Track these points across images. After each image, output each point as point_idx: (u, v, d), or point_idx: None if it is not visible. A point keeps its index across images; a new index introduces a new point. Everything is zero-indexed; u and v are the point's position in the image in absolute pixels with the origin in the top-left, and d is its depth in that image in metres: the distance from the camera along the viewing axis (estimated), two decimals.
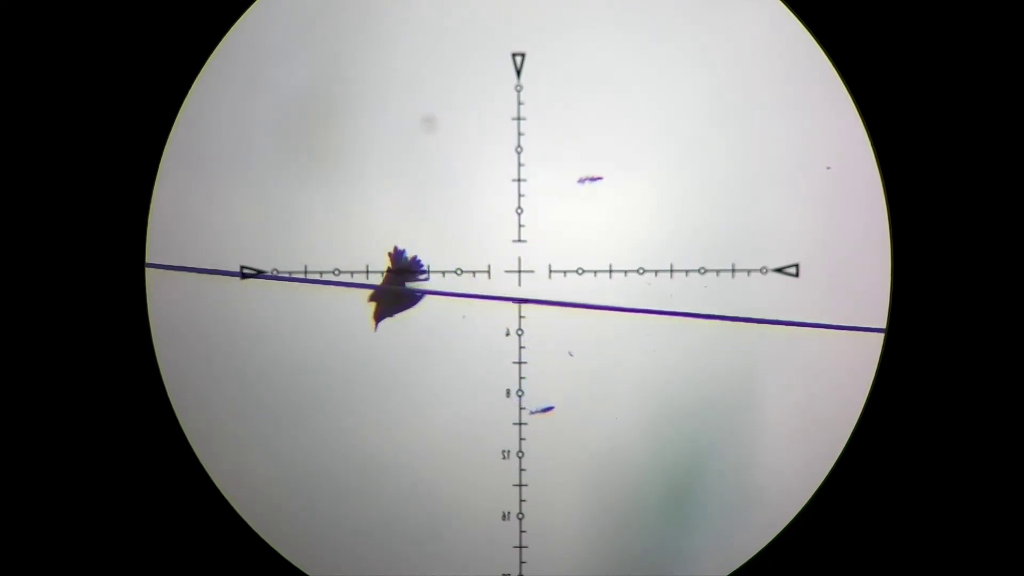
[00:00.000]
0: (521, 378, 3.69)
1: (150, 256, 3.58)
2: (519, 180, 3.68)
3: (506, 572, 3.68)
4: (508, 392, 3.69)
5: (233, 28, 3.60)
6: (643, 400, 3.70)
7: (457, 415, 3.69)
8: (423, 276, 3.68)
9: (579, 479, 3.70)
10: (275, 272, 3.68)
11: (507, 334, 3.70)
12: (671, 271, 3.68)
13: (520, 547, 3.68)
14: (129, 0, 3.51)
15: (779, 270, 3.67)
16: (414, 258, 3.66)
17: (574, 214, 3.68)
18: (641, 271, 3.71)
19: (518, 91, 3.66)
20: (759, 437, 3.68)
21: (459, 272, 3.70)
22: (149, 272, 3.58)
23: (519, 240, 3.71)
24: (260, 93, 3.66)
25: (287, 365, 3.69)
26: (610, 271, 3.71)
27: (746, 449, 3.68)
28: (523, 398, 3.68)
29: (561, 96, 3.66)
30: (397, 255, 3.65)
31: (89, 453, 3.49)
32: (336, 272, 3.72)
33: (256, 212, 3.68)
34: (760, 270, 3.67)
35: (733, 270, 3.67)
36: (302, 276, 3.69)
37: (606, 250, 3.70)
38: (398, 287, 3.66)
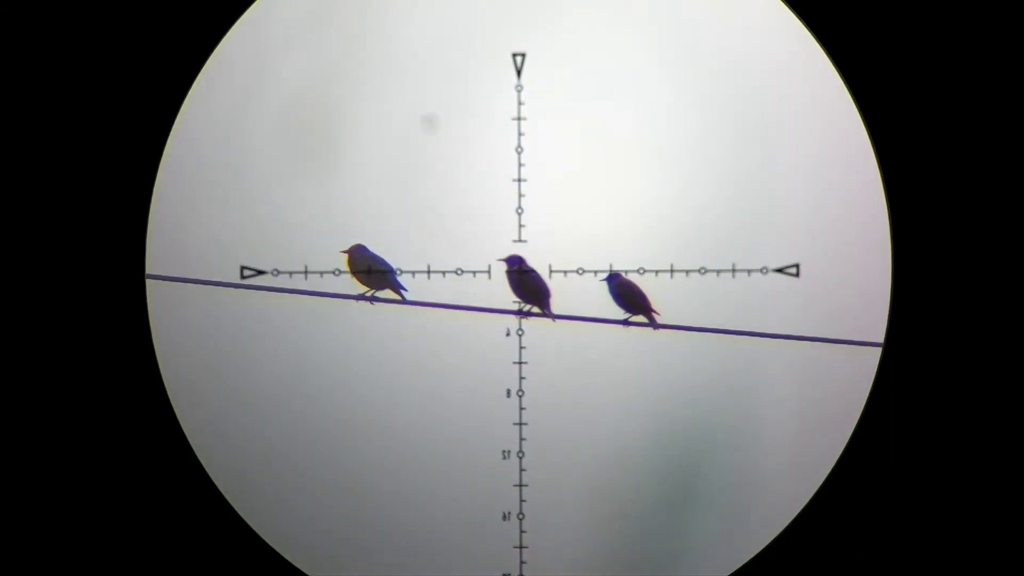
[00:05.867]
0: (521, 378, 3.69)
1: (150, 267, 3.58)
2: (519, 180, 3.68)
3: (506, 572, 3.68)
4: (508, 392, 3.69)
5: (232, 29, 3.60)
6: (644, 401, 3.70)
7: (457, 415, 3.69)
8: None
9: (579, 479, 3.70)
10: (275, 272, 3.68)
11: (507, 334, 3.70)
12: (671, 271, 3.68)
13: (520, 547, 3.68)
14: (125, 10, 3.51)
15: (779, 270, 3.66)
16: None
17: (574, 214, 3.68)
18: (641, 271, 3.71)
19: (518, 91, 3.66)
20: (760, 437, 3.67)
21: (459, 272, 3.70)
22: (149, 283, 3.58)
23: (519, 240, 3.71)
24: (259, 95, 3.66)
25: (288, 368, 3.70)
26: (610, 271, 3.71)
27: (747, 448, 3.68)
28: (523, 398, 3.69)
29: (561, 96, 3.66)
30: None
31: (94, 461, 3.49)
32: (336, 272, 3.72)
33: (256, 215, 3.69)
34: (760, 270, 3.67)
35: (733, 270, 3.67)
36: (302, 275, 3.70)
37: (606, 250, 3.71)
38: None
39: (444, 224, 3.69)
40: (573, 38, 3.66)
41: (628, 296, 3.72)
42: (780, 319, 3.68)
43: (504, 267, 3.71)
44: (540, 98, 3.66)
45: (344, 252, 3.74)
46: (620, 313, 3.73)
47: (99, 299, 3.50)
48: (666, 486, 3.70)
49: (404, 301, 3.72)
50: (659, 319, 3.72)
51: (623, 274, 3.72)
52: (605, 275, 3.71)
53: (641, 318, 3.73)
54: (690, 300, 3.69)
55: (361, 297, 3.73)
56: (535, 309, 3.71)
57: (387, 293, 3.75)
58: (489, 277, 3.71)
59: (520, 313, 3.70)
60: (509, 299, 3.73)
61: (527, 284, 3.71)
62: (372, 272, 3.72)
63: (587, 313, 3.72)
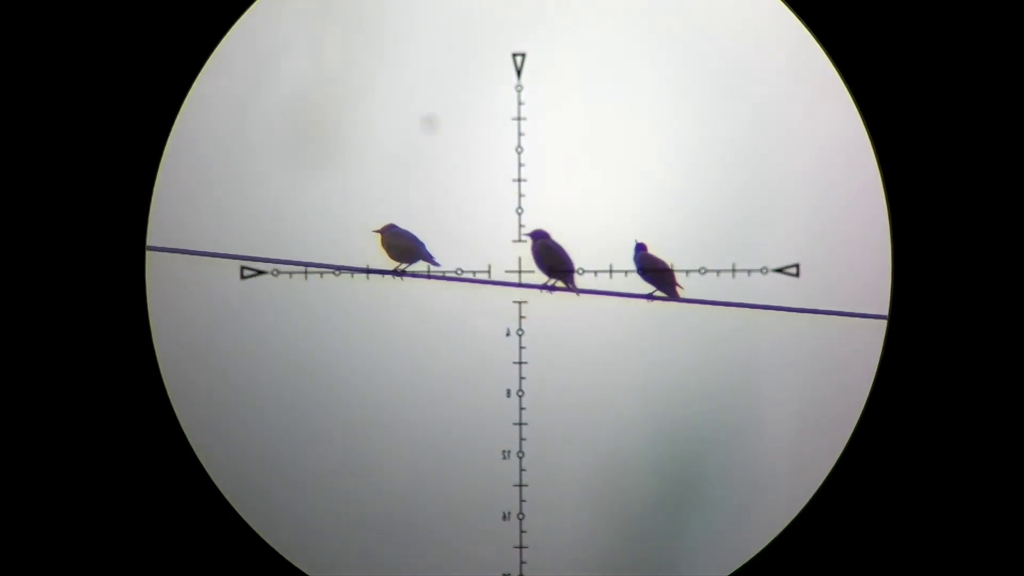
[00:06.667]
0: (521, 378, 3.69)
1: (150, 268, 3.58)
2: (519, 180, 3.68)
3: (506, 572, 3.68)
4: (508, 392, 3.69)
5: (234, 27, 3.60)
6: (644, 400, 3.70)
7: (457, 415, 3.69)
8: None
9: (579, 479, 3.70)
10: (275, 272, 3.68)
11: (507, 334, 3.70)
12: (671, 271, 3.68)
13: (520, 547, 3.68)
14: (126, 10, 3.51)
15: (779, 270, 3.66)
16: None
17: (574, 214, 3.68)
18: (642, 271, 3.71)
19: (518, 91, 3.66)
20: (760, 438, 3.68)
21: (459, 272, 3.70)
22: (149, 255, 3.58)
23: (519, 240, 3.71)
24: (259, 95, 3.67)
25: (288, 368, 3.70)
26: (610, 271, 3.71)
27: (746, 450, 3.68)
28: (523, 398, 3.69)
29: (561, 96, 3.66)
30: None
31: (94, 462, 3.49)
32: (336, 272, 3.72)
33: (255, 215, 3.69)
34: (760, 270, 3.67)
35: (733, 270, 3.67)
36: (302, 274, 3.70)
37: (606, 250, 3.71)
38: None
39: (444, 224, 3.69)
40: (573, 38, 3.66)
41: (651, 269, 3.70)
42: (779, 319, 3.68)
43: (529, 241, 3.70)
44: (540, 98, 3.66)
45: (377, 231, 3.73)
46: (643, 290, 3.71)
47: (100, 300, 3.50)
48: (666, 486, 3.70)
49: (434, 280, 3.72)
50: (683, 293, 3.70)
51: (647, 248, 3.71)
52: (635, 243, 3.70)
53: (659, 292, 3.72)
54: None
55: (393, 272, 3.73)
56: (559, 284, 3.71)
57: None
58: (489, 276, 3.72)
59: (545, 288, 3.69)
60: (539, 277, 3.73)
61: (553, 258, 3.71)
62: (404, 249, 3.72)
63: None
